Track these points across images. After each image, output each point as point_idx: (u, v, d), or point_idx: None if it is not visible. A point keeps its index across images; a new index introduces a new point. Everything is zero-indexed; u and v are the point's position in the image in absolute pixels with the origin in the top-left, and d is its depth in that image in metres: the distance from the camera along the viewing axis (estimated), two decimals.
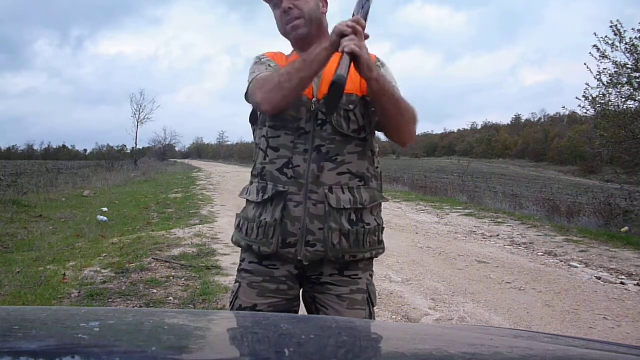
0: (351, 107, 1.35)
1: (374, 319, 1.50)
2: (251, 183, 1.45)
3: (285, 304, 1.39)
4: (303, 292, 1.45)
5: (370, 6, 1.34)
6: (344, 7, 1.47)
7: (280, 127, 1.36)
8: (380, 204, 1.44)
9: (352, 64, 1.25)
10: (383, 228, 1.46)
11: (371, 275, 1.46)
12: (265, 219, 1.35)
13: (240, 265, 1.45)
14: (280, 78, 1.27)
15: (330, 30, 1.39)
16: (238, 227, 1.45)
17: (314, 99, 1.36)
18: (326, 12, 1.44)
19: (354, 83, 1.35)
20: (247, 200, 1.44)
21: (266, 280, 1.38)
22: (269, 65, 1.41)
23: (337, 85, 1.22)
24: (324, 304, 1.40)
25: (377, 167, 1.44)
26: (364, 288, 1.41)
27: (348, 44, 1.21)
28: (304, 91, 1.34)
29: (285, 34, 1.42)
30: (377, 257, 1.45)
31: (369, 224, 1.38)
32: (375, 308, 1.46)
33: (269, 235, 1.35)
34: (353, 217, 1.35)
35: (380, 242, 1.44)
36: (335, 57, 1.31)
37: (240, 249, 1.46)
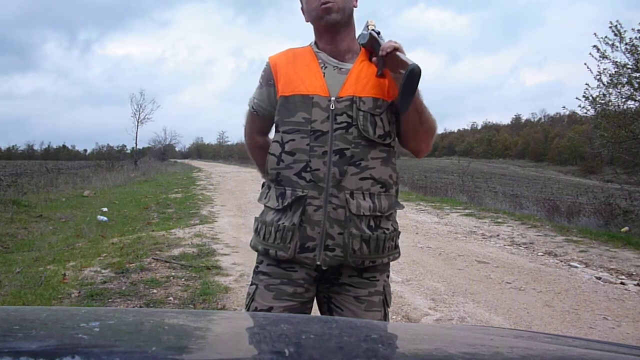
0: (378, 111, 1.33)
1: (389, 319, 1.49)
2: (268, 188, 1.41)
3: (299, 307, 1.37)
4: (317, 291, 1.43)
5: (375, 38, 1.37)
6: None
7: (294, 130, 1.33)
8: (396, 210, 1.43)
9: (389, 70, 1.28)
10: (399, 232, 1.45)
11: (388, 276, 1.45)
12: (283, 223, 1.33)
13: (258, 267, 1.42)
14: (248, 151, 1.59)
15: (356, 27, 1.42)
16: (256, 231, 1.42)
17: (332, 98, 1.32)
18: (356, 6, 1.41)
19: (380, 88, 1.35)
20: (266, 206, 1.40)
21: (284, 283, 1.36)
22: (253, 106, 1.48)
23: (415, 74, 1.21)
24: (340, 305, 1.39)
25: (398, 174, 1.42)
26: (380, 290, 1.41)
27: (391, 44, 1.27)
28: (313, 90, 1.33)
29: (316, 18, 1.36)
30: (392, 261, 1.44)
31: (388, 229, 1.37)
32: (389, 308, 1.45)
33: (286, 239, 1.32)
34: (372, 223, 1.34)
35: (396, 246, 1.43)
36: (366, 66, 1.35)
37: (256, 252, 1.43)
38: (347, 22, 1.38)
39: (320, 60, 1.38)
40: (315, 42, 1.42)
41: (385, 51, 1.27)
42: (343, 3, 1.34)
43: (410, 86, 1.23)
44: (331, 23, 1.34)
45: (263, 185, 1.46)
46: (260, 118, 1.48)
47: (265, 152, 1.45)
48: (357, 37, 1.43)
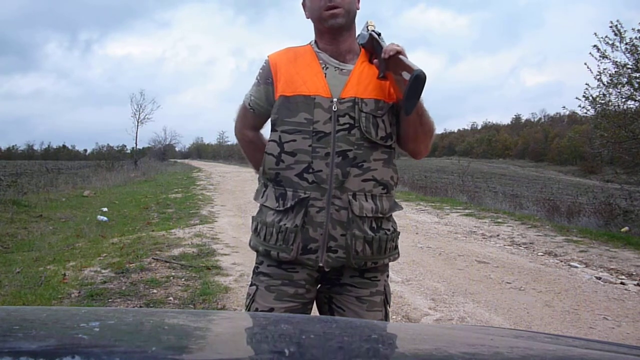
0: (379, 113, 1.33)
1: (389, 319, 1.50)
2: (265, 186, 1.39)
3: (300, 308, 1.37)
4: (318, 291, 1.43)
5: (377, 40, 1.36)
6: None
7: (295, 131, 1.31)
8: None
9: (392, 72, 1.28)
10: (399, 233, 1.45)
11: (387, 276, 1.46)
12: (285, 224, 1.31)
13: (258, 267, 1.41)
14: (241, 147, 1.55)
15: (357, 27, 1.42)
16: (255, 231, 1.40)
17: (334, 99, 1.31)
18: (359, 8, 1.40)
19: (382, 90, 1.34)
20: (264, 205, 1.38)
21: (285, 284, 1.35)
22: (250, 103, 1.45)
23: (421, 79, 1.21)
24: (342, 305, 1.39)
25: (398, 175, 1.42)
26: (381, 289, 1.41)
27: (393, 47, 1.27)
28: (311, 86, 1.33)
29: (319, 18, 1.34)
30: (392, 262, 1.45)
31: (389, 230, 1.38)
32: (389, 307, 1.46)
33: (289, 241, 1.31)
34: (374, 224, 1.34)
35: (396, 247, 1.44)
36: (367, 67, 1.35)
37: (256, 252, 1.42)
38: (350, 24, 1.38)
39: (321, 61, 1.37)
40: (316, 42, 1.41)
41: (388, 54, 1.27)
42: (348, 6, 1.34)
43: (415, 91, 1.23)
44: (335, 27, 1.34)
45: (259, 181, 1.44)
46: (256, 115, 1.46)
47: (257, 146, 1.45)
48: (356, 37, 1.42)
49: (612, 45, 7.42)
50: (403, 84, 1.24)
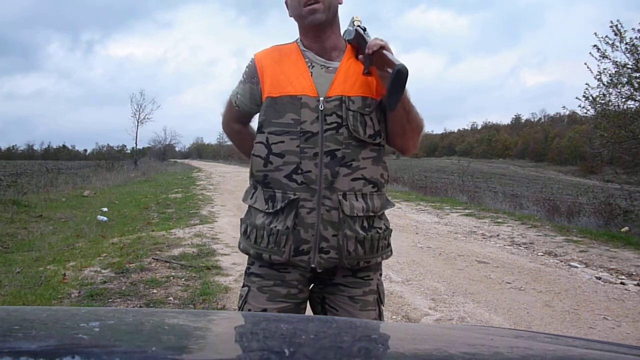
0: (367, 110, 1.31)
1: (383, 318, 1.49)
2: (254, 188, 1.38)
3: (293, 308, 1.36)
4: (311, 291, 1.42)
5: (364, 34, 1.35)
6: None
7: (283, 132, 1.30)
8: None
9: (376, 68, 1.27)
10: (391, 230, 1.44)
11: (380, 275, 1.45)
12: (276, 226, 1.30)
13: (249, 269, 1.40)
14: (230, 138, 1.57)
15: (341, 24, 1.40)
16: (245, 234, 1.39)
17: (320, 98, 1.30)
18: (341, 2, 1.38)
19: (369, 87, 1.33)
20: (253, 207, 1.37)
21: (277, 284, 1.34)
22: (235, 101, 1.44)
23: (402, 74, 1.20)
24: (335, 305, 1.38)
25: (389, 172, 1.41)
26: (374, 288, 1.40)
27: (377, 42, 1.26)
28: (300, 91, 1.31)
29: (299, 16, 1.32)
30: (385, 260, 1.44)
31: (381, 228, 1.36)
32: (383, 306, 1.46)
33: (280, 243, 1.30)
34: (365, 223, 1.32)
35: (389, 245, 1.42)
36: (353, 64, 1.34)
37: (247, 255, 1.41)
38: (332, 20, 1.35)
39: (306, 59, 1.35)
40: (301, 40, 1.39)
41: (372, 49, 1.25)
42: (329, 1, 1.31)
43: (397, 86, 1.22)
44: (316, 23, 1.31)
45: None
46: (240, 112, 1.46)
47: (244, 136, 1.46)
48: (342, 33, 1.40)
49: (612, 45, 7.43)
50: (387, 79, 1.23)
